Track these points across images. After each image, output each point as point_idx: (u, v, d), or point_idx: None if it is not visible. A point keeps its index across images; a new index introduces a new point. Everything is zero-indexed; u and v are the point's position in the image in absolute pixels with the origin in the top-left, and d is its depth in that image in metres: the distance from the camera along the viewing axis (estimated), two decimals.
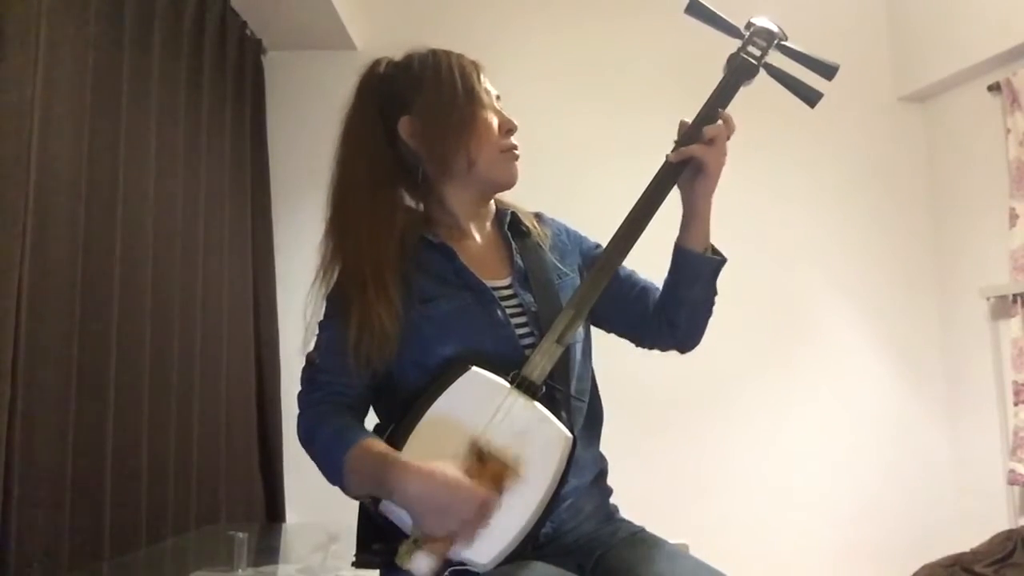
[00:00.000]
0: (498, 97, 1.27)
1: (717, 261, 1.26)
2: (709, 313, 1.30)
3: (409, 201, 1.27)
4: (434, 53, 1.25)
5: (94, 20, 1.98)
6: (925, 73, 3.27)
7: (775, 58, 1.22)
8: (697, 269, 1.25)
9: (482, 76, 1.25)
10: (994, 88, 3.01)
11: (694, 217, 1.24)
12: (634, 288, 1.34)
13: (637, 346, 1.38)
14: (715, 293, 1.29)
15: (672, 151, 1.20)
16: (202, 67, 2.63)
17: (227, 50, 2.82)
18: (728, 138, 1.21)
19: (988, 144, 3.06)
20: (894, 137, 3.39)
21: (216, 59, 2.74)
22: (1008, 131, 2.94)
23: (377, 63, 1.27)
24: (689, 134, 1.20)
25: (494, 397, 1.09)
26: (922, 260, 3.33)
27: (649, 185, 1.20)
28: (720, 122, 1.21)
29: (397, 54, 1.27)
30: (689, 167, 1.20)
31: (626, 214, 1.20)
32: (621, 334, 1.36)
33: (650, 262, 1.34)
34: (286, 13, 2.95)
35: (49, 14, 1.78)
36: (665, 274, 1.29)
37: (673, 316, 1.29)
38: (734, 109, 1.22)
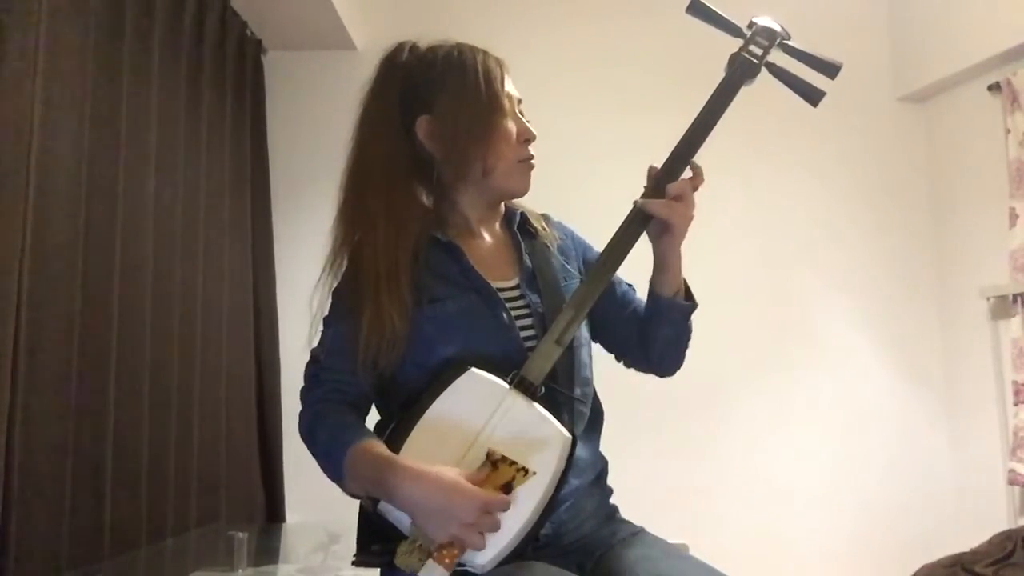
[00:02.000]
0: (520, 101, 1.25)
1: (687, 306, 1.24)
2: (684, 347, 1.30)
3: (422, 196, 1.25)
4: (459, 50, 1.22)
5: (94, 20, 1.98)
6: (925, 73, 3.27)
7: (777, 57, 1.21)
8: (668, 313, 1.24)
9: (506, 79, 1.23)
10: (994, 88, 3.00)
11: (663, 267, 1.22)
12: (626, 309, 1.32)
13: (618, 361, 1.37)
14: (689, 331, 1.27)
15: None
16: (202, 67, 2.62)
17: (227, 50, 2.82)
18: (695, 190, 1.18)
19: (988, 144, 3.05)
20: (894, 137, 3.39)
21: (216, 59, 2.74)
22: (1008, 131, 2.94)
23: (400, 48, 1.25)
24: (655, 185, 1.18)
25: (492, 397, 1.09)
26: (922, 260, 3.33)
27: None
28: (688, 174, 1.18)
29: (422, 41, 1.24)
30: (655, 221, 1.18)
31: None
32: (606, 348, 1.36)
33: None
34: (286, 13, 2.95)
35: (49, 14, 1.78)
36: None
37: (648, 350, 1.29)
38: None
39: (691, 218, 1.17)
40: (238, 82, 2.92)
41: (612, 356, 1.37)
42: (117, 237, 2.04)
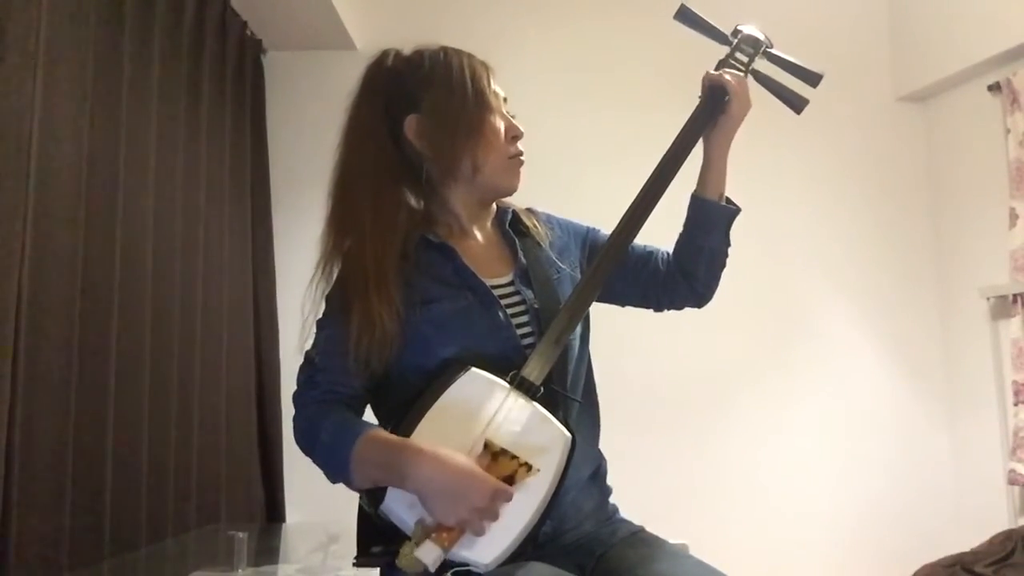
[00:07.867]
0: (505, 100, 1.26)
1: (732, 210, 1.33)
2: (724, 263, 1.36)
3: (410, 199, 1.26)
4: (445, 52, 1.23)
5: (94, 20, 1.97)
6: (925, 73, 3.27)
7: (763, 65, 1.26)
8: (714, 217, 1.31)
9: (492, 79, 1.24)
10: (994, 88, 3.01)
11: (712, 166, 1.30)
12: (639, 255, 1.37)
13: (655, 311, 1.41)
14: (729, 244, 1.34)
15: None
16: (202, 67, 2.63)
17: (227, 50, 2.82)
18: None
19: (988, 144, 3.06)
20: (894, 137, 3.39)
21: (216, 59, 2.74)
22: (1008, 131, 2.94)
23: (385, 55, 1.25)
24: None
25: (494, 397, 1.09)
26: (922, 260, 3.34)
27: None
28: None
29: (406, 48, 1.26)
30: (712, 117, 1.26)
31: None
32: (637, 304, 1.40)
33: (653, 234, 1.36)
34: (286, 13, 2.95)
35: (49, 15, 1.78)
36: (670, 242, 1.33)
37: (692, 267, 1.33)
38: None
39: (749, 108, 1.27)
40: (238, 82, 2.92)
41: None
42: (117, 237, 2.04)
